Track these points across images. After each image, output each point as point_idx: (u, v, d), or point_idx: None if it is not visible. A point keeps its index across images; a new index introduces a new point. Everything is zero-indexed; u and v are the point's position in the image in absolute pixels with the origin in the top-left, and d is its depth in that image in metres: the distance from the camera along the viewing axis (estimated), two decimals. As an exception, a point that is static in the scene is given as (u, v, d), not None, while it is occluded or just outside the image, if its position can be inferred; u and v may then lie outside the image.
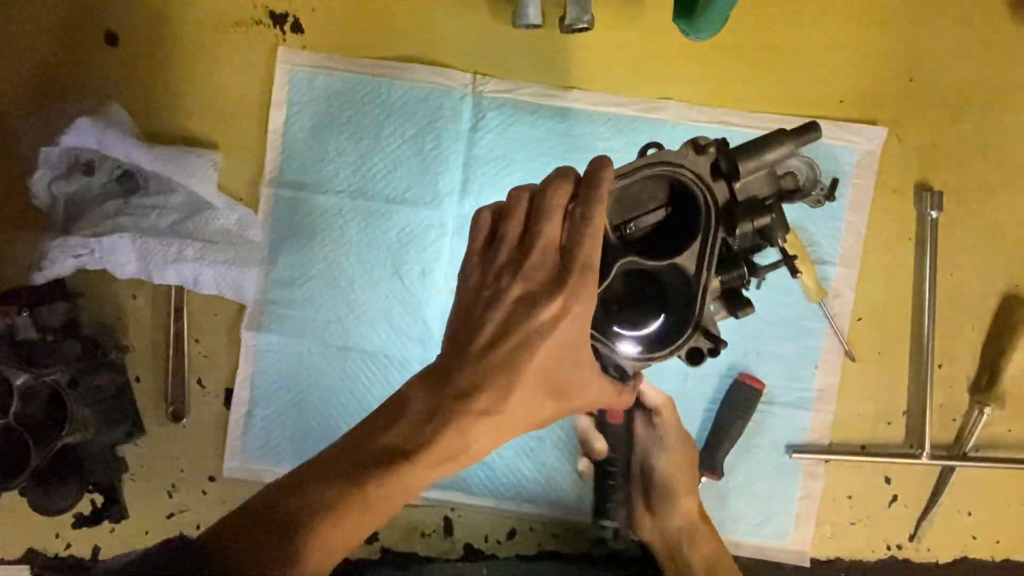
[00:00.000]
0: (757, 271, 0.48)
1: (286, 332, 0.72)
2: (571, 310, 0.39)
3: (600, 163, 0.43)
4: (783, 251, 0.49)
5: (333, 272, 0.72)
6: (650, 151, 0.46)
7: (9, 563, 0.72)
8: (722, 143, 0.46)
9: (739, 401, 0.71)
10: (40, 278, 0.64)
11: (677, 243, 0.46)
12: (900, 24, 0.73)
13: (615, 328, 0.47)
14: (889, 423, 0.74)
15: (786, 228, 0.47)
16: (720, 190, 0.45)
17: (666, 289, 0.49)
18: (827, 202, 0.71)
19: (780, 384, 0.73)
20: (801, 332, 0.73)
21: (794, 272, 0.50)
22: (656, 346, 0.46)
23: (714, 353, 0.45)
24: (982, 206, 0.74)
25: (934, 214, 0.72)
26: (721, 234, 0.45)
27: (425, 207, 0.72)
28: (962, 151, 0.73)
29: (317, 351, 0.72)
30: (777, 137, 0.46)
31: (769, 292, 0.72)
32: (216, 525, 0.39)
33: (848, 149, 0.72)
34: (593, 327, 0.43)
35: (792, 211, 0.72)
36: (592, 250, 0.41)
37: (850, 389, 0.73)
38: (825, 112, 0.72)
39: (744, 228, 0.45)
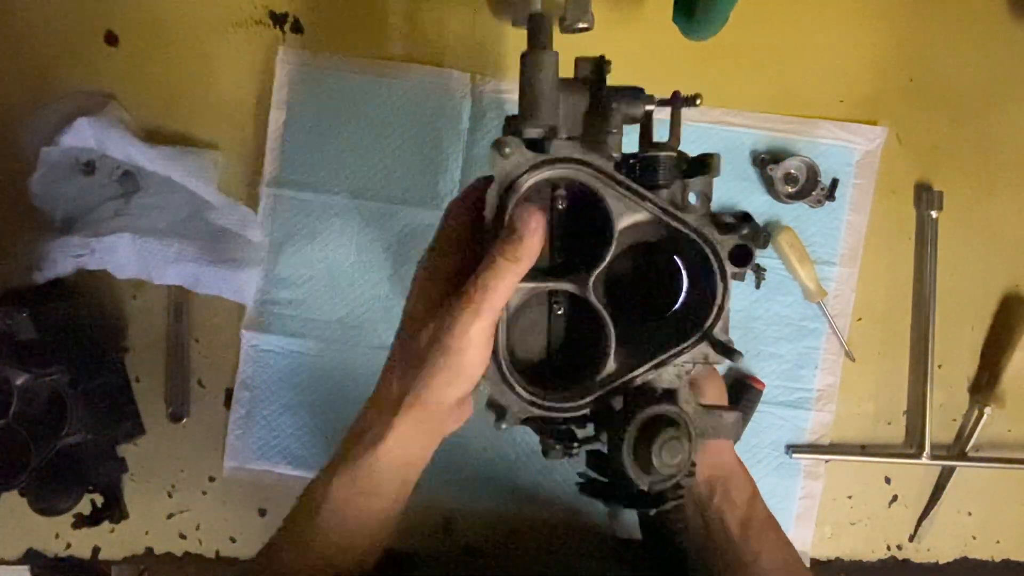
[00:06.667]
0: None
1: (286, 332, 0.72)
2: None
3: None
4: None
5: (333, 272, 0.72)
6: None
7: (9, 563, 0.72)
8: (508, 123, 0.45)
9: (739, 401, 0.71)
10: (40, 278, 0.64)
11: (603, 222, 0.44)
12: (900, 24, 0.73)
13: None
14: (889, 423, 0.74)
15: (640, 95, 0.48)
16: (565, 146, 0.44)
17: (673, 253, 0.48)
18: (827, 202, 0.71)
19: (780, 384, 0.73)
20: (801, 332, 0.73)
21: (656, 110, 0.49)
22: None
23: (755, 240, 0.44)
24: (982, 206, 0.74)
25: (934, 214, 0.72)
26: (607, 165, 0.44)
27: (425, 207, 0.72)
28: (962, 151, 0.73)
29: (317, 351, 0.72)
30: (524, 71, 0.43)
31: (769, 292, 0.72)
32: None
33: (848, 149, 0.72)
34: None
35: (792, 211, 0.72)
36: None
37: (850, 389, 0.73)
38: (825, 112, 0.72)
39: (612, 144, 0.44)
